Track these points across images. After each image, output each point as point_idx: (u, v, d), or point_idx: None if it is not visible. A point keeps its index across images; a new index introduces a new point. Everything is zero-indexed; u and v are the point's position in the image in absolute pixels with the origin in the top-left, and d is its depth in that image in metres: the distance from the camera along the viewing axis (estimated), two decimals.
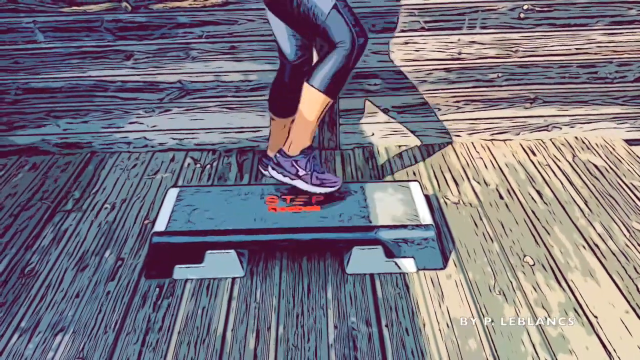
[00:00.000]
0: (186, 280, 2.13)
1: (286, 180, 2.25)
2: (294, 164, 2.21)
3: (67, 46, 2.79)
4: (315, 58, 2.54)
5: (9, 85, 2.88)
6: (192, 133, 3.03)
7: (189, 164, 2.94)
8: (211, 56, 2.82)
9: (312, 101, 2.10)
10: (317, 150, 2.27)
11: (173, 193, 2.35)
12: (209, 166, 2.92)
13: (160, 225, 2.16)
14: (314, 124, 2.16)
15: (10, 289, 2.11)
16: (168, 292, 2.08)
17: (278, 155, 2.26)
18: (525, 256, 2.21)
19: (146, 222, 2.48)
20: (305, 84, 2.10)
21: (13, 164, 2.98)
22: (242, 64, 2.84)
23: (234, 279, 2.13)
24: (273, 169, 2.27)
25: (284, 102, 2.45)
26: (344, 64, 2.04)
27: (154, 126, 3.00)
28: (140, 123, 3.00)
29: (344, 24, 2.00)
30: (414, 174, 2.80)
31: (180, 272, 2.14)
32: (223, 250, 2.11)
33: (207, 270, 2.13)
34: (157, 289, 2.09)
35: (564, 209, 2.49)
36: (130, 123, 3.00)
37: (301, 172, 2.21)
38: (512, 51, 2.83)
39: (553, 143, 3.03)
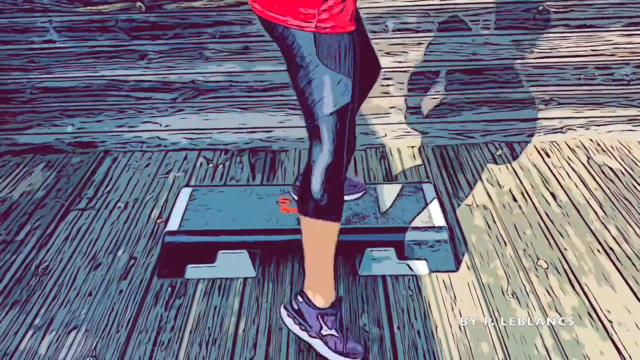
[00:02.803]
0: (198, 280, 2.13)
1: (302, 335, 1.80)
2: (320, 318, 1.75)
3: (82, 46, 2.81)
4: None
5: (24, 84, 2.90)
6: (205, 133, 3.03)
7: (201, 164, 2.95)
8: (224, 56, 2.82)
9: (312, 236, 1.71)
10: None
11: (186, 192, 2.36)
12: (221, 166, 2.92)
13: (172, 225, 2.17)
14: (327, 263, 1.73)
15: (24, 286, 2.13)
16: (180, 291, 2.09)
17: (300, 299, 1.79)
18: (538, 259, 2.19)
19: (159, 221, 2.48)
20: (301, 217, 1.69)
21: (27, 162, 3.00)
22: (255, 64, 2.84)
23: (245, 279, 2.14)
24: (289, 316, 1.81)
25: None
26: (330, 166, 1.60)
27: (167, 126, 3.02)
28: (154, 123, 3.01)
29: (334, 119, 1.56)
30: (427, 175, 2.78)
31: (193, 271, 2.14)
32: (235, 251, 2.11)
33: (219, 270, 2.13)
34: (170, 289, 2.10)
35: (578, 211, 2.46)
36: (144, 122, 3.01)
37: (325, 332, 1.75)
38: (527, 52, 2.81)
39: (567, 145, 3.00)
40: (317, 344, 1.78)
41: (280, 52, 1.60)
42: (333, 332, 1.74)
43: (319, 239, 1.70)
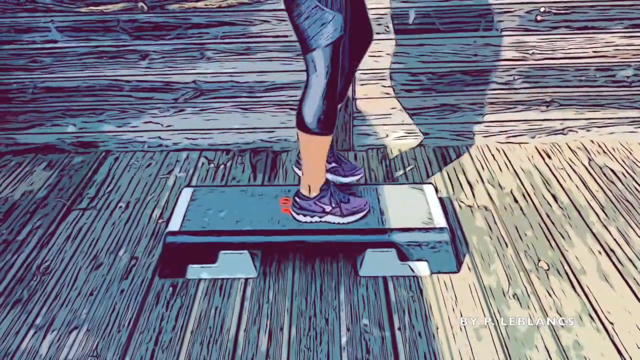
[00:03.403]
0: (199, 280, 2.14)
1: (315, 219, 2.17)
2: (318, 202, 2.14)
3: (84, 46, 2.81)
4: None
5: (26, 84, 2.90)
6: (207, 133, 3.04)
7: (203, 164, 2.95)
8: (226, 57, 2.83)
9: (307, 146, 2.03)
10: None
11: (187, 193, 2.36)
12: (222, 166, 2.92)
13: (174, 225, 2.17)
14: (321, 164, 2.09)
15: (25, 286, 2.13)
16: (181, 291, 2.09)
17: (297, 199, 2.17)
18: (539, 260, 2.20)
19: (160, 221, 2.49)
20: (296, 130, 2.01)
21: (29, 162, 3.01)
22: (257, 64, 2.84)
23: (247, 279, 2.14)
24: (298, 214, 2.18)
25: None
26: (329, 91, 1.89)
27: (169, 126, 3.02)
28: (155, 123, 3.01)
29: (329, 50, 1.83)
30: (428, 176, 2.78)
31: (194, 271, 2.14)
32: (236, 251, 2.12)
33: (220, 270, 2.13)
34: (171, 288, 2.10)
35: (579, 213, 2.46)
36: (145, 123, 3.01)
37: (328, 209, 2.14)
38: (528, 54, 2.81)
39: (569, 146, 3.00)
40: (330, 219, 2.17)
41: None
42: (333, 205, 2.14)
43: (314, 149, 2.03)
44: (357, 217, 2.18)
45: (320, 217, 2.16)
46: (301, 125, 1.96)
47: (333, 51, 1.82)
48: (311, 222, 2.17)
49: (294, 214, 2.19)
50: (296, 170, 2.33)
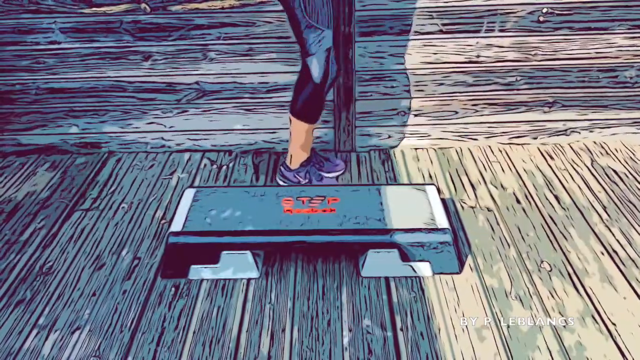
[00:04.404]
0: (202, 280, 2.14)
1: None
2: (296, 175, 2.66)
3: (87, 47, 2.82)
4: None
5: (29, 85, 2.91)
6: (209, 134, 3.04)
7: (205, 165, 2.95)
8: (228, 58, 2.83)
9: (294, 127, 2.55)
10: (314, 158, 2.74)
11: (189, 193, 2.36)
12: (225, 167, 2.93)
13: (176, 226, 2.17)
14: (303, 145, 2.60)
15: (28, 286, 2.14)
16: (184, 292, 2.09)
17: (282, 168, 2.71)
18: (542, 261, 2.19)
19: (163, 222, 2.49)
20: (290, 116, 2.53)
21: (32, 162, 3.02)
22: (259, 65, 2.85)
23: (249, 279, 2.14)
24: (280, 179, 2.72)
25: None
26: (315, 93, 2.37)
27: (172, 127, 3.03)
28: (158, 124, 3.02)
29: (323, 56, 2.29)
30: (430, 177, 2.78)
31: (196, 272, 2.15)
32: (239, 251, 2.12)
33: (223, 270, 2.14)
34: (173, 289, 2.11)
35: (582, 214, 2.46)
36: (148, 123, 3.02)
37: (303, 182, 2.66)
38: (531, 55, 2.81)
39: (571, 147, 3.00)
40: None
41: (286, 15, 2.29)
42: (306, 181, 2.66)
43: (301, 131, 2.54)
44: (329, 176, 2.77)
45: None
46: (293, 111, 2.49)
47: (326, 55, 2.29)
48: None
49: (278, 178, 2.73)
50: (279, 181, 2.75)
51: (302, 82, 2.40)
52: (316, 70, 2.31)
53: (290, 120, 2.54)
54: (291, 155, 2.64)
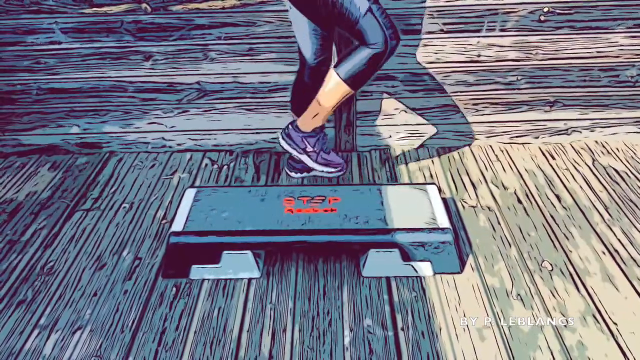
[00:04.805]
0: (203, 280, 2.14)
1: (293, 152, 2.44)
2: (304, 139, 2.41)
3: (88, 47, 2.82)
4: (334, 59, 2.54)
5: (31, 85, 2.92)
6: (210, 134, 3.04)
7: (206, 165, 2.95)
8: (229, 58, 2.83)
9: (333, 87, 2.22)
10: (326, 134, 2.52)
11: (190, 193, 2.36)
12: (226, 167, 2.93)
13: (177, 225, 2.17)
14: (330, 108, 2.29)
15: (30, 286, 2.14)
16: (185, 291, 2.09)
17: (290, 127, 2.44)
18: (543, 261, 2.19)
19: (164, 222, 2.49)
20: (332, 70, 2.19)
21: (33, 162, 3.02)
22: (260, 65, 2.85)
23: (250, 279, 2.14)
24: (283, 138, 2.46)
25: (304, 102, 2.46)
26: (373, 62, 2.10)
27: (172, 127, 3.03)
28: (159, 124, 3.02)
29: (378, 26, 2.05)
30: (431, 176, 2.78)
31: (197, 272, 2.15)
32: (240, 251, 2.12)
33: (224, 270, 2.14)
34: (174, 289, 2.11)
35: (583, 213, 2.46)
36: (149, 123, 3.02)
37: (309, 149, 2.42)
38: (532, 54, 2.81)
39: (573, 147, 2.99)
40: (304, 158, 2.45)
41: (301, 12, 2.20)
42: (315, 149, 2.40)
43: (335, 93, 2.22)
44: (327, 170, 2.49)
45: (299, 153, 2.45)
46: (341, 68, 2.16)
47: (372, 17, 2.04)
48: (289, 153, 2.46)
49: (280, 138, 2.48)
50: (288, 172, 2.63)
51: (360, 46, 2.14)
52: (372, 37, 2.06)
53: (329, 78, 2.23)
54: (308, 117, 2.38)
